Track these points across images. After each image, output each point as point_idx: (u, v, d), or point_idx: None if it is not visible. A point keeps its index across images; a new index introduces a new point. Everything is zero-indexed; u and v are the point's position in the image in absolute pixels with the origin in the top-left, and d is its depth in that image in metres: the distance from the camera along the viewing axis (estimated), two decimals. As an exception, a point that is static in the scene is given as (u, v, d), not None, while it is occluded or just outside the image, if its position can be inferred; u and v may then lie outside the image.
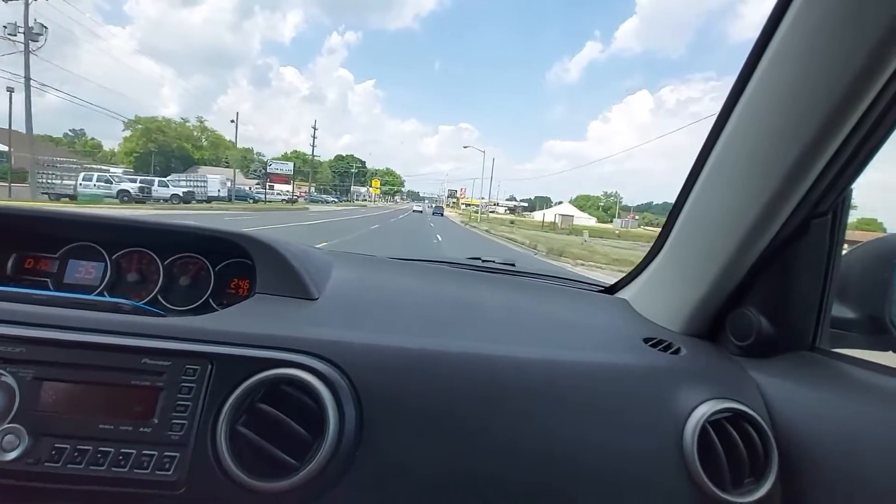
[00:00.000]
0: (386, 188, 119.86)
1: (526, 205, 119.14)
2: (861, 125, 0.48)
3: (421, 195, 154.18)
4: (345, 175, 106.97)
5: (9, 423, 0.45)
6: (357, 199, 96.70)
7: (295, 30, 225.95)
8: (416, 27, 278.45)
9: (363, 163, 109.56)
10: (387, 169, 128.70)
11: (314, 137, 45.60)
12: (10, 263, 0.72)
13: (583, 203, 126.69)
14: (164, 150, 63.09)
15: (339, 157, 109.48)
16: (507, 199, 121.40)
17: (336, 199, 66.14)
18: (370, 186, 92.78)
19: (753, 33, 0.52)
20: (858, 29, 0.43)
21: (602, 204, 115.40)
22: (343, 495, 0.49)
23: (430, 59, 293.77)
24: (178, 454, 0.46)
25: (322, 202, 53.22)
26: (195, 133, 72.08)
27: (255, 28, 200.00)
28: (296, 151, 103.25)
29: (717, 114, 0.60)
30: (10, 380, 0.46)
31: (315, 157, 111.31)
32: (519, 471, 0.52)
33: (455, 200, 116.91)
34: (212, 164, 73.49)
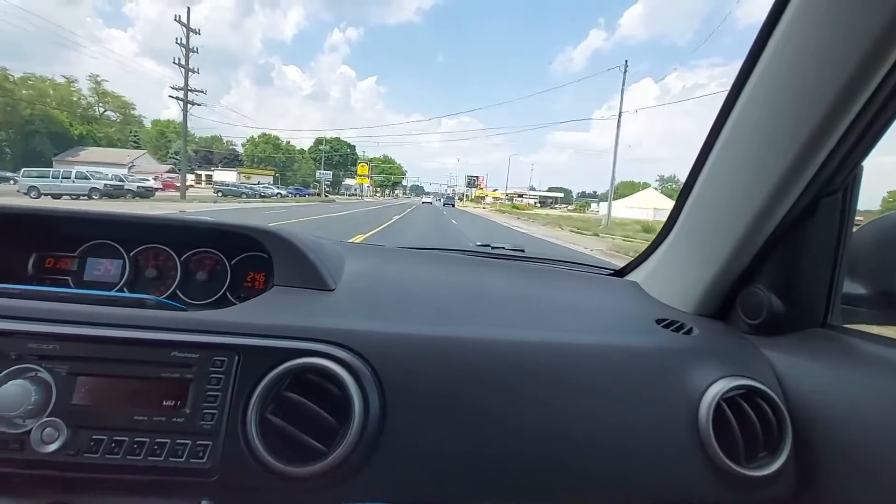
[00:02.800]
0: (381, 178, 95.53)
1: (562, 195, 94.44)
2: (872, 102, 0.48)
3: (426, 189, 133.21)
4: (328, 162, 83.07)
5: (48, 417, 0.46)
6: (337, 192, 73.17)
7: (296, 27, 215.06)
8: (417, 20, 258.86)
9: (351, 147, 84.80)
10: (384, 156, 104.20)
11: (185, 50, 20.69)
12: (30, 263, 0.74)
13: (629, 192, 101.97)
14: (14, 123, 39.10)
15: (320, 141, 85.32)
16: (529, 189, 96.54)
17: (288, 193, 41.82)
18: (357, 175, 68.75)
19: (763, 15, 0.52)
20: (869, 2, 0.43)
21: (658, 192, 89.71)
22: (369, 478, 0.50)
23: (433, 53, 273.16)
24: (210, 442, 0.48)
25: (246, 196, 29.77)
26: (83, 99, 47.72)
27: (256, 26, 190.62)
28: (265, 135, 79.62)
29: (727, 93, 0.59)
30: (46, 375, 0.48)
31: (289, 143, 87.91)
32: (537, 451, 0.53)
33: (472, 191, 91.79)
34: (119, 145, 50.10)
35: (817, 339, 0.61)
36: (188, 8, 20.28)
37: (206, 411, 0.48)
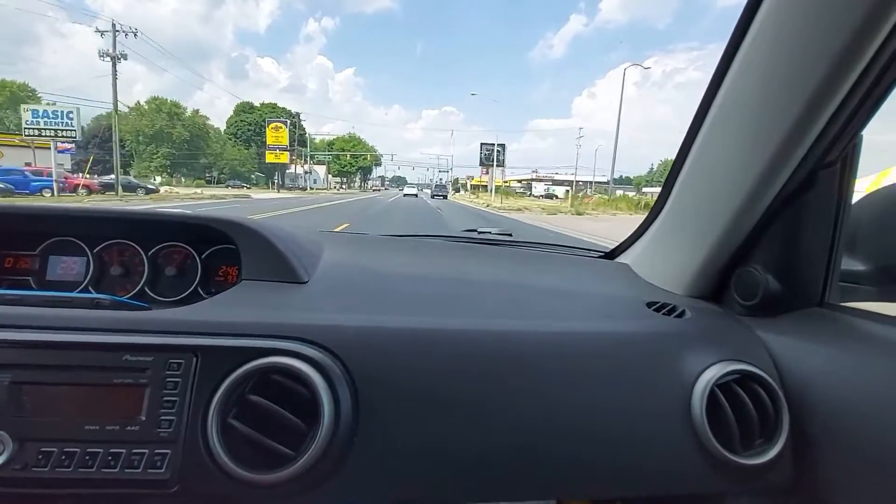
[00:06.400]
0: (326, 156, 67.58)
1: (606, 180, 68.00)
2: (871, 67, 0.45)
3: (408, 181, 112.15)
4: (257, 140, 55.12)
5: None
6: (264, 184, 45.80)
7: (269, 17, 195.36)
8: (395, 8, 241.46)
9: (293, 116, 56.40)
10: (350, 135, 76.60)
11: None
12: None
13: (680, 174, 75.84)
14: None
15: (245, 109, 57.27)
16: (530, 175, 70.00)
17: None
18: (268, 150, 41.11)
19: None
20: None
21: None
22: (344, 481, 0.48)
23: (412, 43, 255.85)
24: (168, 451, 0.45)
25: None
26: None
27: (227, 17, 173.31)
28: (156, 99, 51.52)
29: (717, 64, 0.56)
30: None
31: (198, 113, 59.14)
32: (525, 444, 0.51)
33: (484, 172, 63.99)
34: None
35: (814, 318, 0.59)
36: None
37: (163, 418, 0.46)
